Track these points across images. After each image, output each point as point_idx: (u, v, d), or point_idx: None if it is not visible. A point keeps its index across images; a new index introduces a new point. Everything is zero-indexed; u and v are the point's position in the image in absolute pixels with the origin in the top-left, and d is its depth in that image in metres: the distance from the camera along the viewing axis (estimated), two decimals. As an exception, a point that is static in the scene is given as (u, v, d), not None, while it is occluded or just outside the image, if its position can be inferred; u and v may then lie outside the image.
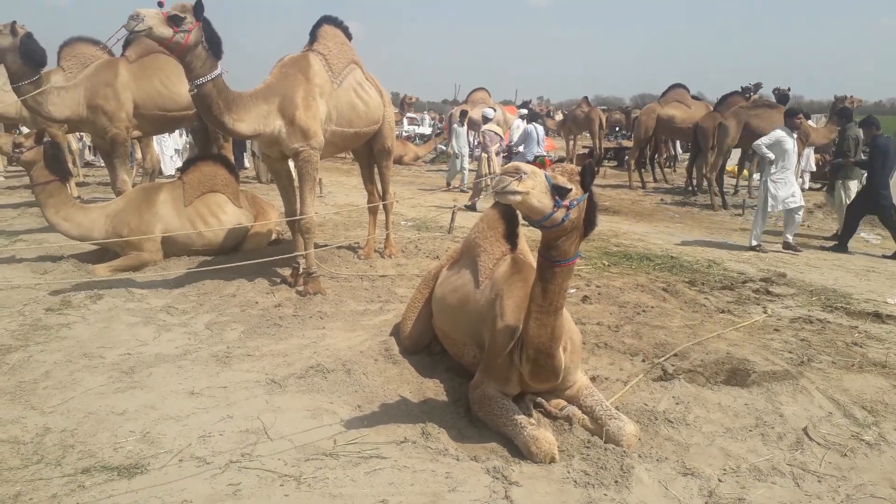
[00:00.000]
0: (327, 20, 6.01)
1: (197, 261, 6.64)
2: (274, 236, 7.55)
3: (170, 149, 13.45)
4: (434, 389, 3.83)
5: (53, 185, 6.10)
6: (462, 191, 13.40)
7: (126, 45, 7.91)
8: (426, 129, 29.98)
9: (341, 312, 5.22)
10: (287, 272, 6.18)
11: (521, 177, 2.50)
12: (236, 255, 6.87)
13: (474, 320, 3.76)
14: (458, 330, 3.93)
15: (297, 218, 5.74)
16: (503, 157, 15.06)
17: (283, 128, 5.33)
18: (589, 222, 2.88)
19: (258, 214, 7.25)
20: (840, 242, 8.59)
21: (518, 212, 2.66)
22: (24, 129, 11.85)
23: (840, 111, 10.39)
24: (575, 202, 2.66)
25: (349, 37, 6.23)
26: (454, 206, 8.93)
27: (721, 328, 4.94)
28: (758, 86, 13.61)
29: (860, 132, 8.96)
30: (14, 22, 6.75)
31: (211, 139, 8.81)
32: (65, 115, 7.24)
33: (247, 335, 4.65)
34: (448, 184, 13.80)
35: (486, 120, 13.00)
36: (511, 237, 3.94)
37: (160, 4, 4.42)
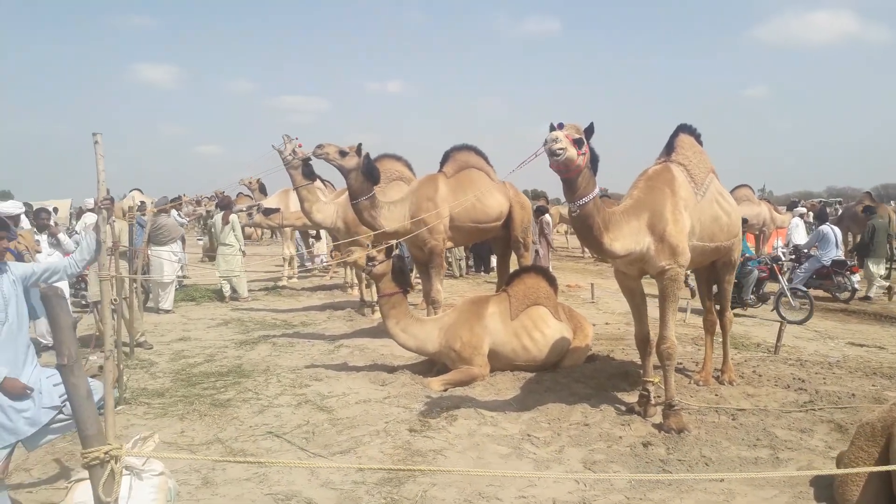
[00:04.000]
0: (683, 129, 5.65)
1: (521, 377, 6.37)
2: (590, 352, 7.10)
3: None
4: None
5: (397, 296, 6.25)
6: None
7: (443, 161, 8.30)
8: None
9: (727, 459, 4.47)
10: (632, 398, 5.63)
11: None
12: (557, 371, 6.51)
13: None
14: None
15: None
16: (790, 257, 13.61)
17: (652, 245, 4.91)
18: None
19: (576, 328, 6.88)
20: None
21: None
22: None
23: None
24: None
25: (701, 143, 5.79)
26: (781, 322, 7.86)
27: None
28: None
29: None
30: (360, 144, 7.31)
31: (511, 248, 8.81)
32: (393, 228, 7.58)
33: (639, 483, 4.07)
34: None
35: None
36: None
37: (559, 126, 4.28)
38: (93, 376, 4.26)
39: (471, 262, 16.27)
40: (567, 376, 6.36)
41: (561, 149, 4.07)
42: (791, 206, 18.27)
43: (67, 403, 3.59)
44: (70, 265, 3.91)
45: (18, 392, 3.51)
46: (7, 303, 3.59)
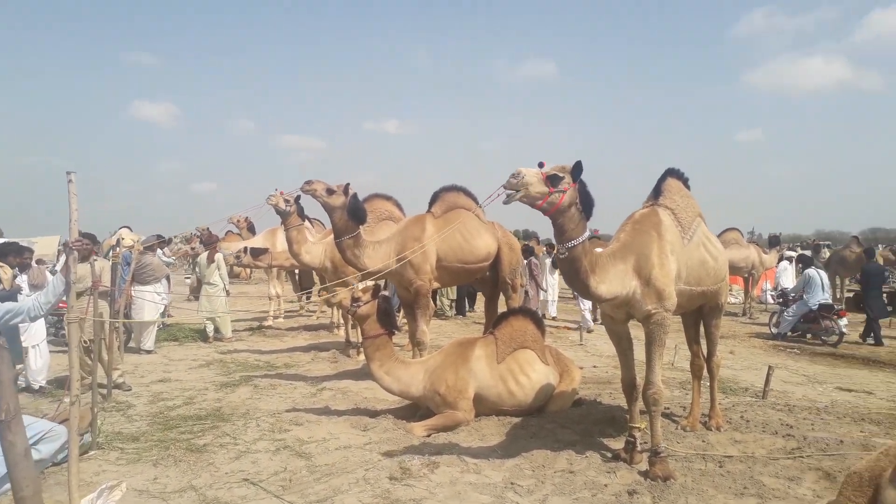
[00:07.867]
0: (671, 173, 5.67)
1: (507, 422, 6.23)
2: (577, 396, 6.97)
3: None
4: None
5: (381, 338, 6.15)
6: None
7: (432, 201, 8.29)
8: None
9: (716, 509, 4.36)
10: (618, 444, 5.52)
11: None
12: (543, 416, 6.38)
13: None
14: None
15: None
16: (777, 300, 13.57)
17: (638, 288, 4.87)
18: None
19: (562, 372, 6.78)
20: None
21: None
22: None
23: None
24: None
25: (688, 187, 5.81)
26: (769, 366, 7.78)
27: None
28: None
29: None
30: (348, 184, 7.30)
31: (500, 289, 8.75)
32: (377, 267, 7.51)
33: (625, 535, 3.95)
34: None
35: None
36: None
37: (540, 165, 4.28)
38: (63, 420, 4.11)
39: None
40: (553, 421, 6.24)
41: (519, 187, 4.11)
42: (772, 241, 17.98)
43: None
44: (34, 307, 3.78)
45: None
46: None
